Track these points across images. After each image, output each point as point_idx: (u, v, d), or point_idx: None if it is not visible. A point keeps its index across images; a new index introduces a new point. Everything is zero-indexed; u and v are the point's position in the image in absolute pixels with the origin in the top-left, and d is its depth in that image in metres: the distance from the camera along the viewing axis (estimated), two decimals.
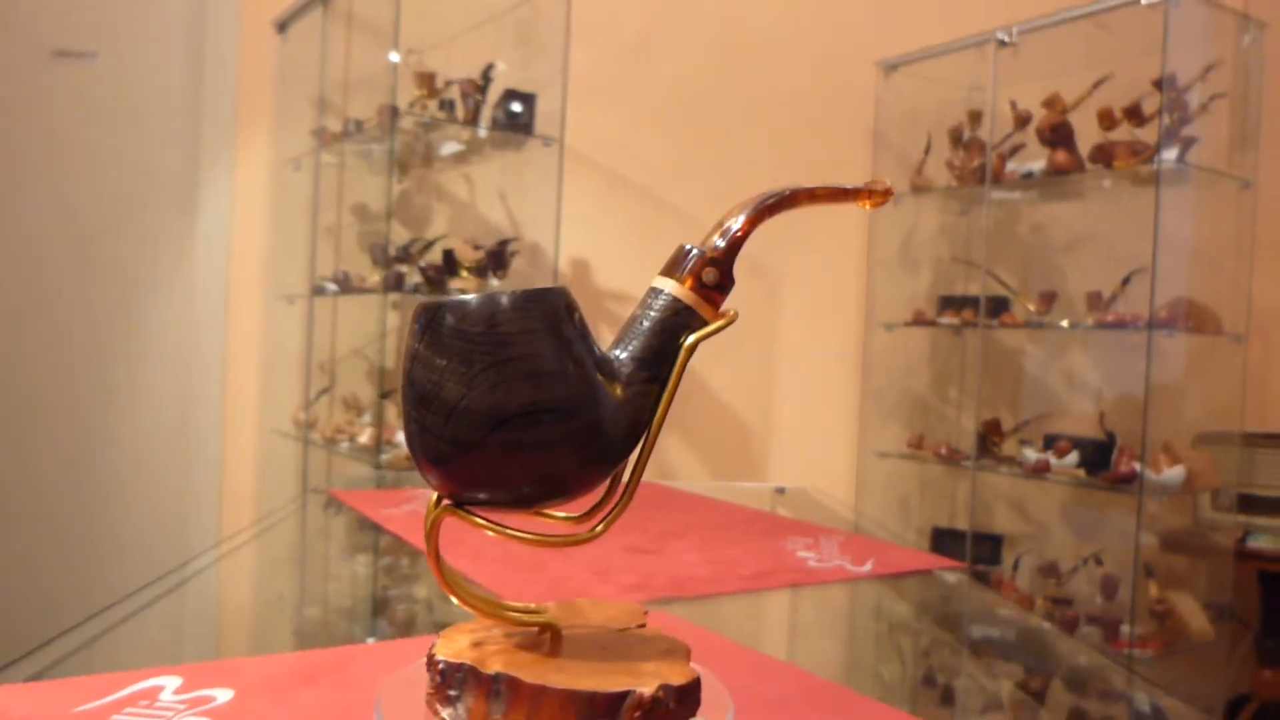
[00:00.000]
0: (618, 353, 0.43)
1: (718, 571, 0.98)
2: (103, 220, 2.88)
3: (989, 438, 2.61)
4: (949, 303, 2.63)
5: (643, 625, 0.48)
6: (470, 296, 0.42)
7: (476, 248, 2.70)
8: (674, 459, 2.87)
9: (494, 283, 2.65)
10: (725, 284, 0.43)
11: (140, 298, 2.90)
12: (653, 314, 0.43)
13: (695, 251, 0.43)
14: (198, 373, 2.89)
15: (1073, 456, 2.35)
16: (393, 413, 2.81)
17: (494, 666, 0.44)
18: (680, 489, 1.56)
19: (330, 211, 2.83)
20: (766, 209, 0.43)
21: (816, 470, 2.88)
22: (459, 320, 0.41)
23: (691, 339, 0.42)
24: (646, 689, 0.40)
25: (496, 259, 2.67)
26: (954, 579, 1.03)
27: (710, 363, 2.87)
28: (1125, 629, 2.28)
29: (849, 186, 0.43)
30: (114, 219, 2.88)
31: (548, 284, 2.74)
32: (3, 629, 2.92)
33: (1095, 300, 2.30)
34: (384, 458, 2.69)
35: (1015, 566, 2.66)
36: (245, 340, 2.90)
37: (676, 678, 0.41)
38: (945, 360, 2.83)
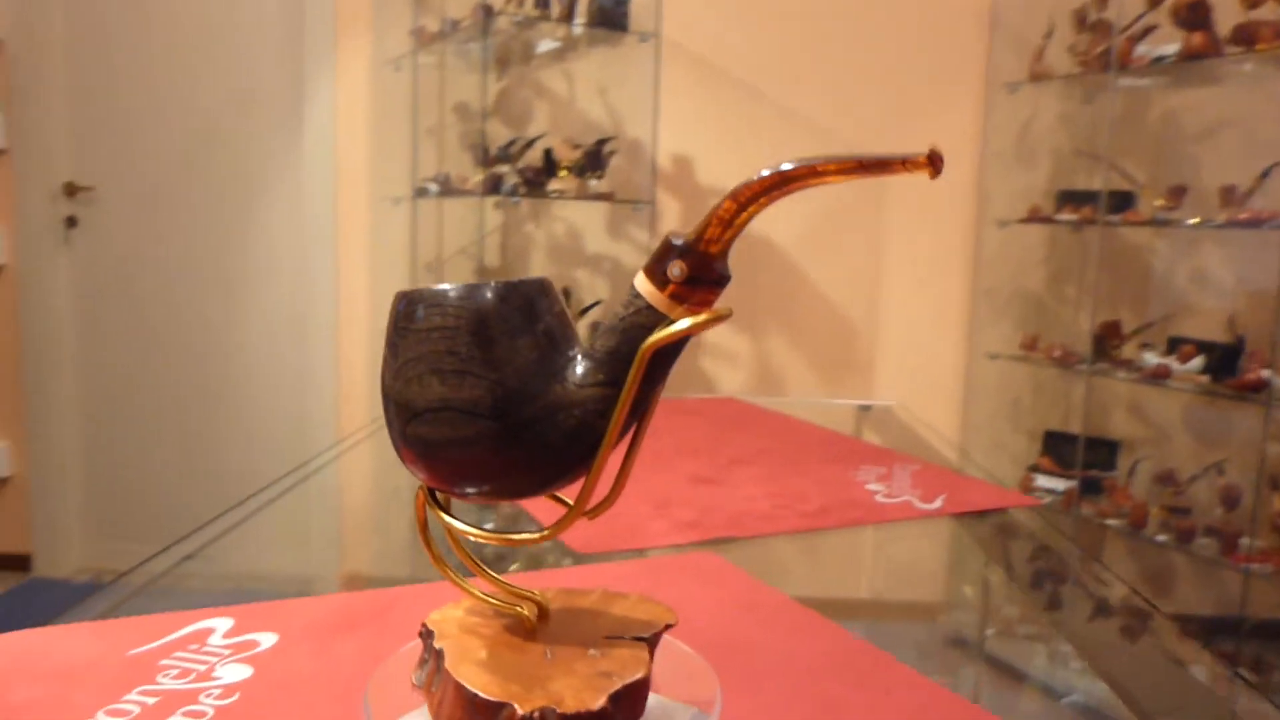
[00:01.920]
0: (579, 353, 0.41)
1: (778, 507, 0.97)
2: (217, 131, 2.96)
3: (1107, 340, 2.48)
4: (1068, 198, 2.47)
5: (670, 625, 0.47)
6: (425, 288, 0.41)
7: (575, 147, 2.67)
8: (774, 363, 2.84)
9: (592, 184, 2.62)
10: (703, 279, 0.39)
11: (255, 204, 2.99)
12: (621, 312, 0.41)
13: (673, 243, 0.39)
14: (312, 275, 2.98)
15: (1197, 361, 2.22)
16: None
17: (444, 640, 0.45)
18: (764, 406, 1.54)
19: (431, 112, 2.84)
20: (756, 193, 0.39)
21: (922, 372, 2.81)
22: (398, 311, 0.41)
23: (647, 343, 0.39)
24: (525, 707, 0.38)
25: (594, 159, 2.64)
26: (1029, 520, 0.99)
27: (812, 263, 2.80)
28: (1245, 542, 2.18)
29: (880, 157, 0.37)
30: (227, 128, 2.95)
31: (645, 184, 2.70)
32: (137, 519, 3.15)
33: (1229, 195, 2.13)
34: None
35: (1131, 473, 2.56)
36: (354, 242, 2.97)
37: (579, 701, 0.39)
38: (1062, 259, 2.68)
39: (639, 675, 0.40)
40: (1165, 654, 0.78)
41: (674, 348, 0.40)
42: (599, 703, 0.38)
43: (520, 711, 0.38)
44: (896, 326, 2.81)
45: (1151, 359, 2.30)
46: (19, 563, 3.13)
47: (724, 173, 2.77)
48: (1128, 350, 2.46)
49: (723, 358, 2.85)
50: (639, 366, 0.39)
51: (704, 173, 2.79)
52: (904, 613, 0.85)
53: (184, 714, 0.55)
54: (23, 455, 3.09)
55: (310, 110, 2.89)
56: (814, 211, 2.74)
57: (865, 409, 1.62)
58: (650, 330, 0.39)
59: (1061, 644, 0.80)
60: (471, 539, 0.43)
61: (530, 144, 2.71)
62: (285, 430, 3.03)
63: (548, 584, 0.75)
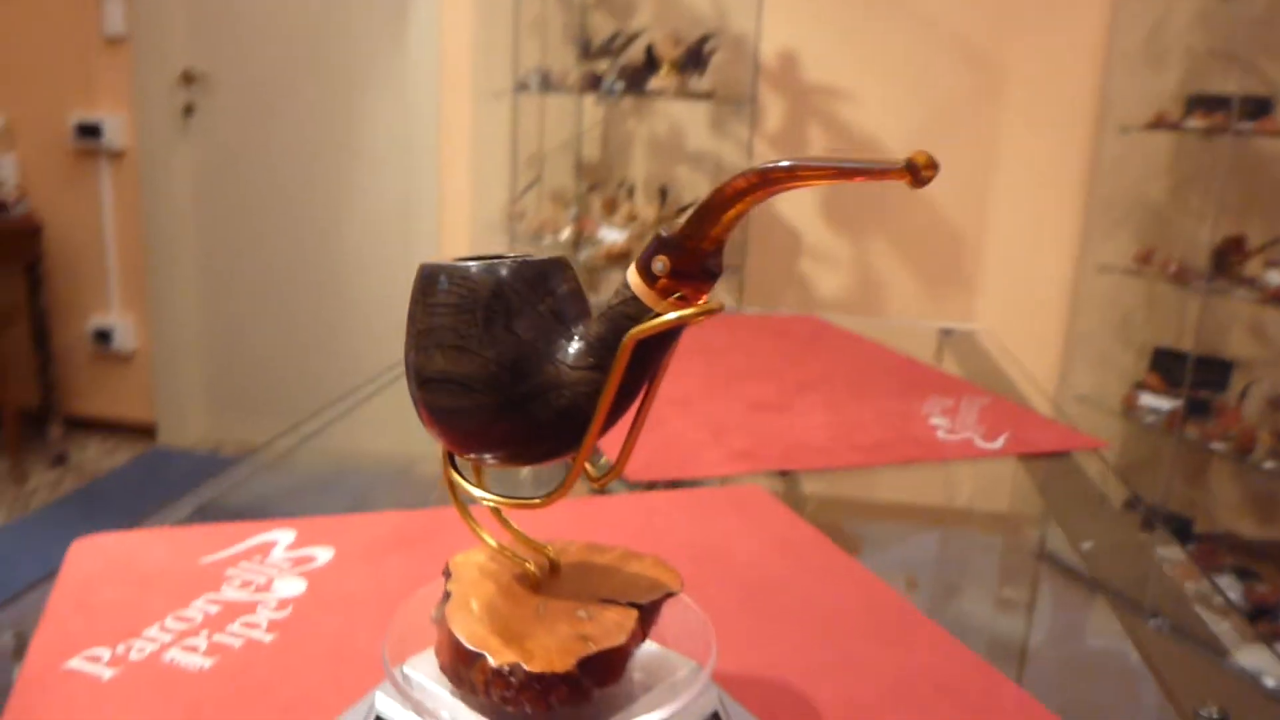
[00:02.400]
0: (577, 332, 0.42)
1: (836, 439, 0.97)
2: (327, 22, 2.99)
3: (1228, 256, 2.35)
4: (1198, 103, 2.31)
5: (672, 594, 0.48)
6: (444, 263, 0.42)
7: (677, 43, 2.61)
8: (872, 269, 2.78)
9: (693, 82, 2.57)
10: (686, 273, 0.39)
11: (361, 95, 3.03)
12: (614, 299, 0.41)
13: (661, 236, 0.40)
14: (415, 166, 3.03)
15: None
16: (596, 207, 2.86)
17: (457, 583, 0.47)
18: (845, 327, 1.52)
19: (534, 4, 2.80)
20: (737, 192, 0.38)
21: (1028, 284, 2.72)
22: (416, 284, 0.43)
23: (629, 334, 0.40)
24: (497, 660, 0.40)
25: (695, 57, 2.58)
26: (1092, 465, 0.97)
27: None
28: None
29: (859, 166, 0.35)
30: (336, 20, 2.98)
31: (747, 83, 2.63)
32: (251, 395, 3.33)
33: None
34: (582, 255, 2.77)
35: (1243, 395, 2.45)
36: (457, 135, 2.99)
37: (547, 662, 0.40)
38: (1187, 169, 2.53)
39: (616, 643, 0.42)
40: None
41: (663, 338, 0.41)
42: (567, 666, 0.40)
43: (491, 664, 0.40)
44: (1003, 234, 2.71)
45: (1276, 278, 2.18)
46: (146, 431, 3.36)
47: (828, 69, 2.67)
48: (1250, 268, 2.33)
49: (822, 262, 2.81)
50: (623, 357, 0.40)
51: (808, 70, 2.70)
52: (941, 559, 0.85)
53: (242, 624, 0.60)
54: (146, 331, 3.28)
55: (415, 1, 2.89)
56: (924, 108, 2.64)
57: (948, 333, 1.58)
58: (636, 321, 0.40)
59: (1097, 599, 0.79)
60: (476, 495, 0.46)
61: (632, 39, 2.66)
62: (388, 320, 3.13)
63: (588, 513, 0.78)
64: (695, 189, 2.86)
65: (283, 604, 0.62)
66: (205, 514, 0.80)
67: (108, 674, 0.54)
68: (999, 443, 0.97)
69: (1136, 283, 2.60)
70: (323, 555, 0.69)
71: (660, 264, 0.39)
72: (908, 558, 0.84)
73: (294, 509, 0.77)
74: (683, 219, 0.39)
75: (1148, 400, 2.53)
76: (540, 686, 0.40)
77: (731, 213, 0.38)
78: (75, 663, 0.55)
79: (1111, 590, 0.80)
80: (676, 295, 0.40)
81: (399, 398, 1.16)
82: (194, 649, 0.57)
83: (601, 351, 0.40)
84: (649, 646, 0.49)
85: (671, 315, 0.39)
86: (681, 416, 1.02)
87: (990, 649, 0.67)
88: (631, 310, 0.40)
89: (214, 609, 0.61)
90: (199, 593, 0.63)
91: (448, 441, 0.44)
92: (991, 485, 0.98)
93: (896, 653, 0.60)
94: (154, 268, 3.20)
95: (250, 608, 0.62)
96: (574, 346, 0.41)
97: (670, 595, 0.47)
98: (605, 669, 0.41)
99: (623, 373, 0.40)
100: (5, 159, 3.17)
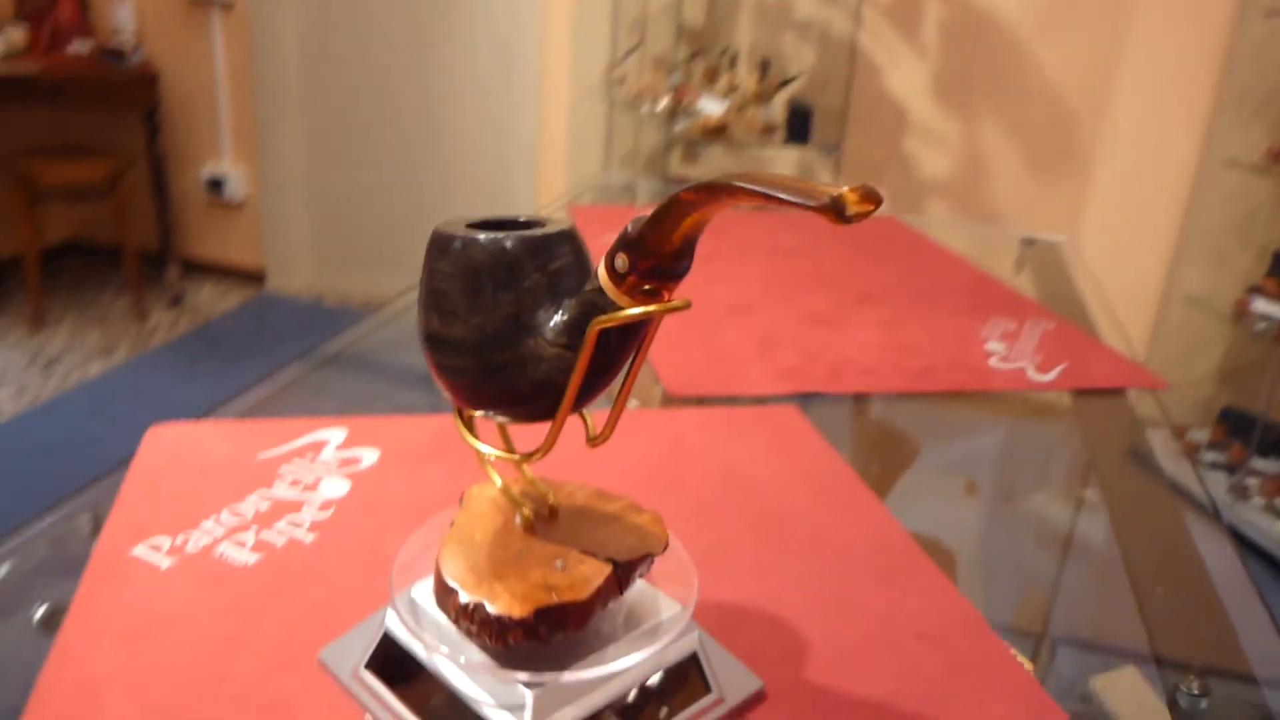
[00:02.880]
0: (563, 307, 0.43)
1: (885, 360, 0.98)
2: None
3: None
4: None
5: (651, 556, 0.50)
6: (449, 230, 0.44)
7: None
8: (983, 146, 2.67)
9: None
10: (649, 271, 0.40)
11: None
12: (588, 283, 0.43)
13: (626, 231, 0.41)
14: (518, 29, 2.99)
15: None
16: (697, 75, 2.80)
17: (462, 514, 0.51)
18: (924, 230, 1.49)
19: None
20: (687, 204, 0.38)
21: (1146, 174, 2.58)
22: (428, 245, 0.45)
23: (594, 323, 0.41)
24: (466, 597, 0.44)
25: None
26: (1142, 405, 0.95)
27: (1037, 42, 2.55)
28: None
29: (799, 198, 0.34)
30: None
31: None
32: (354, 250, 3.43)
33: None
34: (679, 127, 2.73)
35: None
36: None
37: (508, 606, 0.43)
38: None
39: (579, 597, 0.45)
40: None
41: (632, 327, 0.42)
42: (524, 612, 0.43)
43: (460, 600, 0.45)
44: (1125, 119, 2.56)
45: None
46: (255, 277, 3.52)
47: None
48: None
49: (928, 143, 2.71)
50: (588, 344, 0.42)
51: None
52: (965, 503, 0.86)
53: (288, 521, 0.66)
54: (256, 181, 3.39)
55: None
56: None
57: (1030, 243, 1.53)
58: (603, 311, 0.41)
59: (1107, 555, 0.80)
60: (483, 451, 0.49)
61: None
62: (485, 184, 3.17)
63: (621, 428, 0.81)
64: (799, 60, 2.76)
65: (326, 505, 0.68)
66: (327, 363, 0.87)
67: (166, 563, 0.60)
68: (1052, 375, 0.96)
69: (1263, 181, 2.44)
70: (368, 457, 0.75)
71: (621, 261, 0.40)
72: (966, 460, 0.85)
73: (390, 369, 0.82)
74: (648, 215, 0.40)
75: (1261, 306, 2.41)
76: (498, 627, 0.43)
77: (688, 221, 0.38)
78: (139, 550, 0.61)
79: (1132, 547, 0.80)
80: (645, 289, 0.41)
81: None
82: (242, 544, 0.63)
83: (573, 334, 0.42)
84: (639, 585, 0.52)
85: (634, 311, 0.41)
86: (735, 327, 1.03)
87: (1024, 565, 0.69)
88: (599, 300, 0.41)
89: (264, 505, 0.67)
90: (253, 488, 0.69)
91: (447, 394, 0.47)
92: (1036, 421, 0.97)
93: (890, 595, 0.62)
94: (263, 120, 3.28)
95: (296, 506, 0.67)
96: (554, 321, 0.43)
97: (650, 558, 0.49)
98: (563, 620, 0.44)
99: (590, 358, 0.42)
100: (122, 7, 3.24)
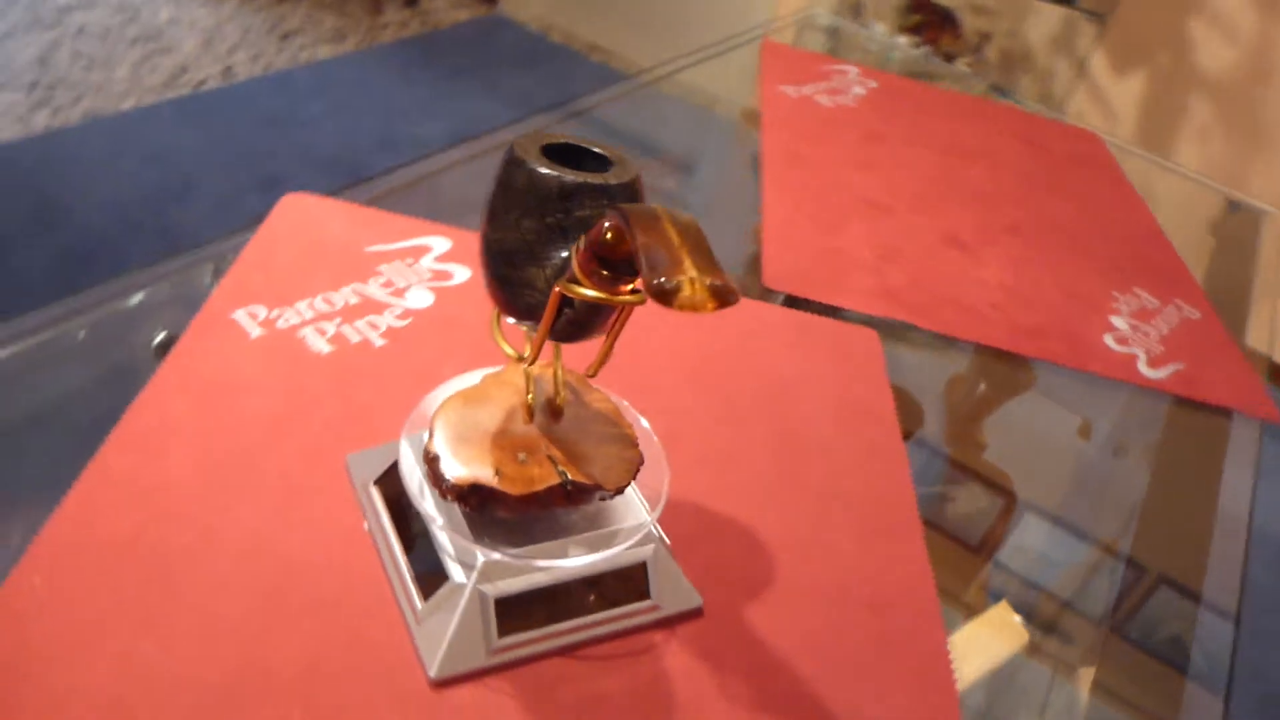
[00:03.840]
0: (570, 253, 0.46)
1: (997, 307, 0.95)
2: None
3: None
4: None
5: (605, 494, 0.54)
6: (520, 149, 0.47)
7: None
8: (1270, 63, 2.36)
9: None
10: (604, 261, 0.41)
11: None
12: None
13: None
14: None
15: None
16: None
17: (487, 377, 0.58)
18: (1124, 159, 1.37)
19: None
20: (604, 230, 0.40)
21: None
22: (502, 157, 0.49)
23: (555, 286, 0.44)
24: (434, 450, 0.51)
25: None
26: (1247, 435, 0.90)
27: None
28: None
29: (647, 269, 0.35)
30: None
31: None
32: None
33: None
34: None
35: None
36: None
37: (455, 471, 0.50)
38: None
39: (511, 491, 0.50)
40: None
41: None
42: (460, 480, 0.50)
43: (429, 446, 0.52)
44: None
45: None
46: None
47: None
48: None
49: (1218, 35, 2.41)
50: (550, 303, 0.46)
51: None
52: (988, 489, 0.86)
53: (367, 321, 0.74)
54: None
55: None
56: None
57: (1236, 208, 1.39)
58: (569, 280, 0.44)
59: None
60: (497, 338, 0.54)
61: None
62: None
63: (692, 315, 0.85)
64: None
65: (406, 314, 0.75)
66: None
67: (256, 333, 0.70)
68: (1162, 373, 0.92)
69: None
70: (460, 275, 0.81)
71: (581, 243, 0.43)
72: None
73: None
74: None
75: None
76: (440, 482, 0.51)
77: (613, 237, 0.40)
78: (239, 314, 0.71)
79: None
80: (603, 273, 0.43)
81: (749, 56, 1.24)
82: (323, 333, 0.71)
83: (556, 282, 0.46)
84: None
85: (586, 292, 0.43)
86: (862, 227, 1.02)
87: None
88: (568, 273, 0.45)
89: (354, 300, 0.75)
90: (350, 280, 0.77)
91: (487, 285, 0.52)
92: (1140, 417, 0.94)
93: (862, 555, 0.66)
94: None
95: (380, 308, 0.75)
96: (558, 262, 0.46)
97: (602, 492, 0.54)
98: (494, 502, 0.51)
99: (553, 314, 0.46)
100: None
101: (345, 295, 0.75)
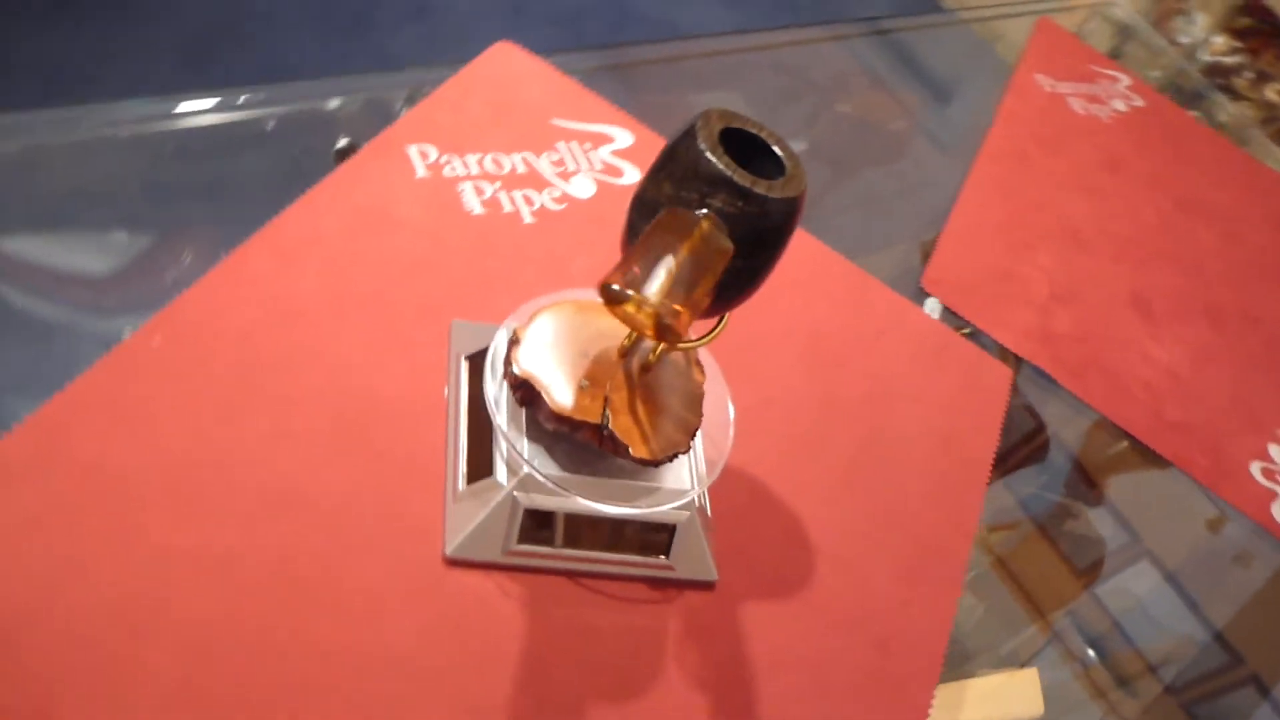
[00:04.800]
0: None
1: (1149, 387, 0.90)
2: None
3: None
4: None
5: (648, 463, 0.56)
6: (704, 122, 0.47)
7: None
8: None
9: None
10: None
11: None
12: None
13: None
14: None
15: None
16: None
17: (597, 300, 0.60)
18: None
19: None
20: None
21: None
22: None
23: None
24: (510, 347, 0.54)
25: None
26: None
27: None
28: None
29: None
30: None
31: None
32: None
33: None
34: None
35: None
36: None
37: (521, 365, 0.53)
38: None
39: (551, 406, 0.53)
40: None
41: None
42: (517, 377, 0.54)
43: (514, 335, 0.56)
44: None
45: None
46: None
47: None
48: None
49: None
50: None
51: None
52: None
53: (524, 194, 0.76)
54: None
55: None
56: None
57: None
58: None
59: None
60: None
61: None
62: None
63: (834, 279, 0.83)
64: None
65: (564, 199, 0.77)
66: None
67: (420, 172, 0.73)
68: None
69: None
70: (629, 175, 0.81)
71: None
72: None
73: None
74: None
75: None
76: (508, 369, 0.55)
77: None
78: (412, 149, 0.74)
79: None
80: None
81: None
82: (480, 193, 0.74)
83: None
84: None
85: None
86: (1054, 259, 0.97)
87: None
88: None
89: (521, 169, 0.77)
90: (526, 147, 0.79)
91: None
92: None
93: (892, 590, 0.66)
94: None
95: (540, 185, 0.77)
96: None
97: (635, 461, 0.55)
98: (534, 405, 0.54)
99: None
100: None
101: (514, 161, 0.77)
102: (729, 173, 0.47)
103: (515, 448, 0.56)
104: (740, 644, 0.59)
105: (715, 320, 0.53)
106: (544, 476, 0.55)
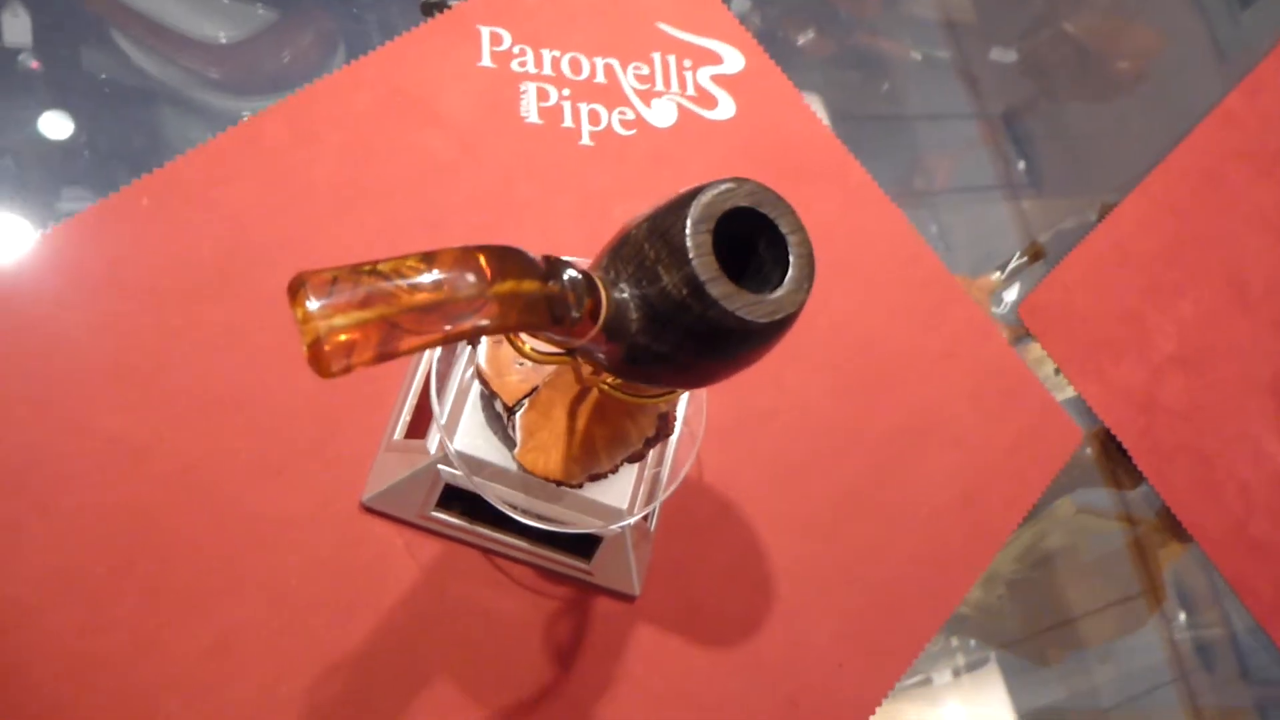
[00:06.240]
0: (633, 275, 0.39)
1: (1244, 491, 0.78)
2: None
3: None
4: None
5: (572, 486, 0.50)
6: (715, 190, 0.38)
7: None
8: None
9: None
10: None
11: None
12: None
13: None
14: None
15: None
16: None
17: None
18: None
19: None
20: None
21: None
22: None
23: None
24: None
25: None
26: None
27: None
28: None
29: None
30: None
31: None
32: None
33: None
34: None
35: None
36: None
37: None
38: None
39: (480, 363, 0.48)
40: None
41: None
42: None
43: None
44: None
45: None
46: None
47: None
48: None
49: None
50: None
51: None
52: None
53: (591, 109, 0.68)
54: None
55: None
56: None
57: None
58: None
59: None
60: None
61: None
62: None
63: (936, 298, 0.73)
64: None
65: (635, 124, 0.69)
66: None
67: (485, 60, 0.67)
68: None
69: None
70: (724, 108, 0.72)
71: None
72: None
73: None
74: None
75: None
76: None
77: None
78: (484, 30, 0.67)
79: None
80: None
81: None
82: (545, 97, 0.67)
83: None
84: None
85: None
86: (1195, 310, 0.83)
87: None
88: None
89: (599, 77, 0.70)
90: (613, 52, 0.71)
91: None
92: None
93: (835, 650, 0.61)
94: None
95: (614, 103, 0.69)
96: (620, 276, 0.39)
97: (574, 485, 0.49)
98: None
99: None
100: None
101: (594, 66, 0.70)
102: (700, 272, 0.38)
103: (440, 420, 0.51)
104: (635, 664, 0.57)
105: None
106: (460, 462, 0.51)
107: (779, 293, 0.37)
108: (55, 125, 0.62)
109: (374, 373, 0.56)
